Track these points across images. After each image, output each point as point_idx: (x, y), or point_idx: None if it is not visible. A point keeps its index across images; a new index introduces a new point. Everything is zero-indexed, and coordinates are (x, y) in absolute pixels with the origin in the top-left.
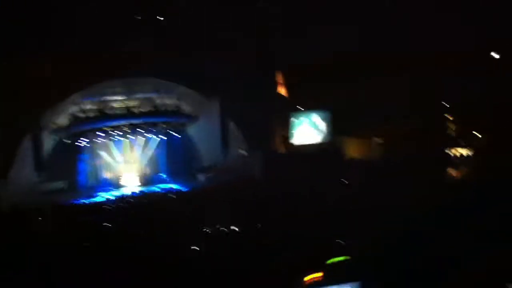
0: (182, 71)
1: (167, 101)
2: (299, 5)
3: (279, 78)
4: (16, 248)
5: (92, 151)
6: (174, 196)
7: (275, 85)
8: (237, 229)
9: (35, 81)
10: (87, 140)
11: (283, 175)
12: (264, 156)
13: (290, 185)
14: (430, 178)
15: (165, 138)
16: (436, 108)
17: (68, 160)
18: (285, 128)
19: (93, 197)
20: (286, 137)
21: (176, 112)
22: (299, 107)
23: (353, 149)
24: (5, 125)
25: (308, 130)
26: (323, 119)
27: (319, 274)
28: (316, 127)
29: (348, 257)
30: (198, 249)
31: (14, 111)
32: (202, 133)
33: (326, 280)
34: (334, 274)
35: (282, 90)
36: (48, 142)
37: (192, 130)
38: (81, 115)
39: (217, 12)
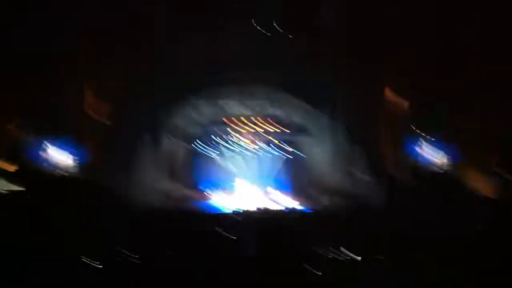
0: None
1: (279, 112)
2: None
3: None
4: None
5: (208, 157)
6: (296, 216)
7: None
8: (356, 256)
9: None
10: (203, 144)
11: (407, 204)
12: (387, 183)
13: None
14: None
15: (282, 153)
16: None
17: (184, 162)
18: (413, 156)
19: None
20: (413, 166)
21: (288, 125)
22: (426, 135)
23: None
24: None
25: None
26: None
27: None
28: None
29: None
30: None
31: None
32: (325, 153)
33: None
34: None
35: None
36: (165, 143)
37: (315, 149)
38: (196, 117)
39: None
